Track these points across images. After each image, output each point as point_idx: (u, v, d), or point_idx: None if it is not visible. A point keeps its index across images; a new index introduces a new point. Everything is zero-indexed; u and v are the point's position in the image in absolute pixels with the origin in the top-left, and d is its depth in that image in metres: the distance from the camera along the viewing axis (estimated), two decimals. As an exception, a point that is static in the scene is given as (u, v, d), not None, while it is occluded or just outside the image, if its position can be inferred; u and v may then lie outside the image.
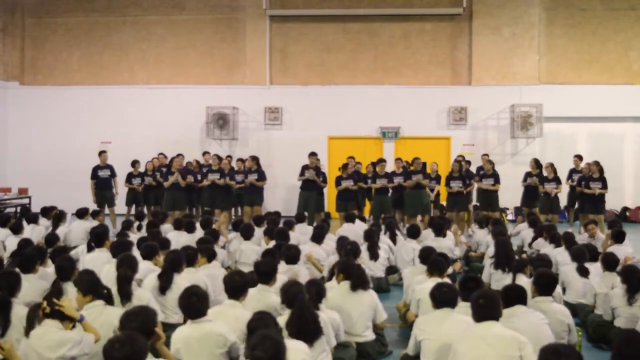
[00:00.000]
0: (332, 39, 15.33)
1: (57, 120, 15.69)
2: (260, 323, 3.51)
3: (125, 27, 15.84)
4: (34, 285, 4.96)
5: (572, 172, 12.16)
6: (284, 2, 15.35)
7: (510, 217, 14.09)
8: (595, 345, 5.30)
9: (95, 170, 11.98)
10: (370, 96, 15.03)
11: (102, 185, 11.92)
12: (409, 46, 15.19)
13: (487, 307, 3.67)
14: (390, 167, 12.31)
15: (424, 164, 11.96)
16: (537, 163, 11.88)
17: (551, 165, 11.74)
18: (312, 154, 11.81)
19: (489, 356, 3.51)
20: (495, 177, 11.65)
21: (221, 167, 11.87)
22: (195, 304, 3.81)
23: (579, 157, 12.23)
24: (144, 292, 4.84)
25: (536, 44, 14.76)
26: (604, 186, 11.02)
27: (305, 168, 11.74)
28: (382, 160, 11.80)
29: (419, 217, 11.50)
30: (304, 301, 4.00)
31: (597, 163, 11.34)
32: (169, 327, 4.89)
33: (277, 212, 10.02)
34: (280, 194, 14.43)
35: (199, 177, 11.90)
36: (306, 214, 10.44)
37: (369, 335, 4.89)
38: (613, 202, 13.16)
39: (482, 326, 3.65)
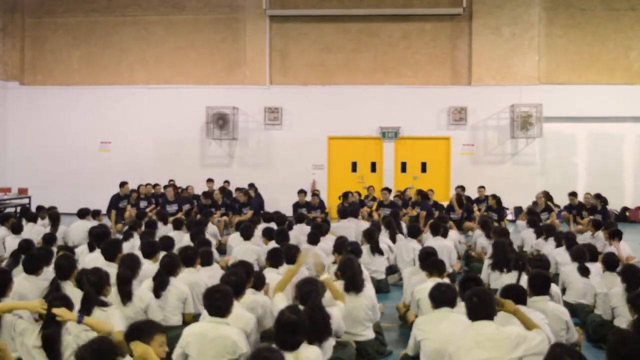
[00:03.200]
0: (332, 39, 15.33)
1: (57, 120, 15.69)
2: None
3: (125, 27, 15.84)
4: (35, 285, 4.96)
5: (570, 208, 12.20)
6: (284, 2, 15.34)
7: (510, 217, 14.07)
8: (595, 345, 5.30)
9: (116, 201, 11.78)
10: (370, 96, 15.03)
11: (120, 218, 11.78)
12: (409, 46, 15.19)
13: (481, 306, 3.68)
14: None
15: (424, 194, 12.14)
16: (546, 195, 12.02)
17: (545, 194, 11.90)
18: (301, 192, 11.97)
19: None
20: (499, 214, 11.58)
21: (225, 202, 12.08)
22: (218, 300, 3.81)
23: (574, 195, 12.26)
24: (145, 292, 4.84)
25: (536, 44, 14.76)
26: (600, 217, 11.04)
27: (297, 206, 11.75)
28: (387, 190, 12.02)
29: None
30: (316, 301, 4.02)
31: (598, 196, 11.66)
32: (168, 329, 4.90)
33: (277, 212, 10.01)
34: (280, 194, 14.41)
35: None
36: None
37: (369, 335, 4.90)
38: (613, 202, 13.17)
39: (476, 327, 3.65)
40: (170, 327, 4.90)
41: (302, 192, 12.00)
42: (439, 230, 7.85)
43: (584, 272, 6.08)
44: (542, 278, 4.68)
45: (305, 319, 3.65)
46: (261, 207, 13.05)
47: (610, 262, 5.90)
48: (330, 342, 4.14)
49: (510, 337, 3.55)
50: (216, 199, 12.29)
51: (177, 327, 4.93)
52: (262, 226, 8.76)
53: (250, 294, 4.68)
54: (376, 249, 7.32)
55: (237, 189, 12.84)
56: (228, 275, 4.56)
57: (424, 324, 4.18)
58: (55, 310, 3.75)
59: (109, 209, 11.70)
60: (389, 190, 12.12)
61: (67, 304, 3.88)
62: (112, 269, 5.40)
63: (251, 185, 13.98)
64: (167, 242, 6.49)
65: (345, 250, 6.15)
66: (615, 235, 7.52)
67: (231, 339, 3.70)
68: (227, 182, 14.06)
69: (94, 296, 4.17)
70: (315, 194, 12.55)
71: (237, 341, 3.70)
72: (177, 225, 8.45)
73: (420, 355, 4.13)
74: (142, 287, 5.07)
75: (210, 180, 13.80)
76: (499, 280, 5.98)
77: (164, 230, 8.66)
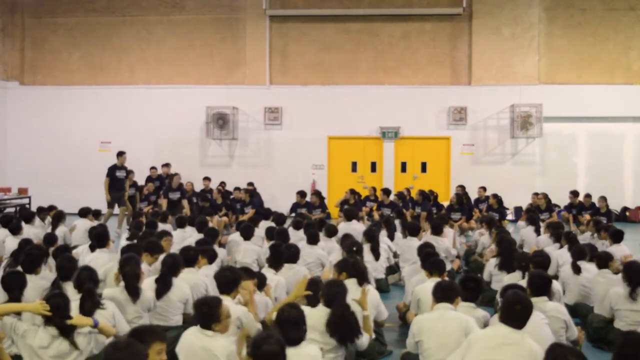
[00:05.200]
0: (332, 39, 15.33)
1: (57, 120, 15.68)
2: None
3: (125, 27, 15.84)
4: (34, 285, 4.95)
5: (571, 207, 12.13)
6: (284, 2, 15.34)
7: (510, 217, 14.07)
8: (595, 346, 5.29)
9: (113, 170, 11.81)
10: (370, 96, 15.02)
11: (117, 186, 11.75)
12: (409, 46, 15.18)
13: (521, 315, 3.61)
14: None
15: (425, 194, 12.13)
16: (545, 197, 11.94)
17: (545, 196, 11.80)
18: (301, 194, 11.91)
19: None
20: (501, 214, 11.52)
21: (225, 202, 12.09)
22: (204, 313, 3.78)
23: (575, 194, 12.17)
24: (148, 293, 4.84)
25: (536, 44, 14.76)
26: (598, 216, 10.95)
27: (296, 206, 11.75)
28: (387, 191, 12.06)
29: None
30: (344, 301, 4.03)
31: (604, 198, 11.52)
32: (169, 330, 4.91)
33: (275, 212, 10.00)
34: (279, 195, 14.41)
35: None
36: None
37: (369, 334, 4.90)
38: (613, 202, 13.16)
39: (504, 329, 3.61)
40: (170, 327, 4.91)
41: (300, 193, 11.98)
42: (440, 229, 7.85)
43: (576, 269, 6.08)
44: (542, 279, 4.67)
45: (304, 315, 3.67)
46: (262, 207, 13.02)
47: (603, 262, 5.91)
48: (362, 341, 4.19)
49: (533, 351, 3.52)
50: (214, 198, 12.31)
51: (178, 327, 4.94)
52: (263, 224, 8.78)
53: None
54: (375, 250, 7.31)
55: (236, 189, 12.84)
56: (222, 271, 4.61)
57: (423, 323, 4.18)
58: (73, 322, 3.78)
59: (107, 176, 11.77)
60: (388, 192, 12.11)
61: (65, 301, 3.87)
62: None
63: (250, 184, 13.96)
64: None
65: (350, 249, 6.16)
66: (614, 237, 7.51)
67: (213, 351, 3.65)
68: (223, 183, 14.01)
69: (94, 295, 4.16)
70: (315, 193, 12.51)
71: (218, 354, 3.64)
72: (180, 223, 8.47)
73: (419, 355, 4.14)
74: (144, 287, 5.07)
75: (206, 179, 13.79)
76: (502, 281, 5.94)
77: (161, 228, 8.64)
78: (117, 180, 11.77)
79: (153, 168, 13.51)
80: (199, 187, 13.75)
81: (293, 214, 11.33)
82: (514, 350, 3.50)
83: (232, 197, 12.82)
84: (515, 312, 3.62)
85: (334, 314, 3.94)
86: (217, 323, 3.75)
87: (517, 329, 3.59)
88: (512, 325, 3.59)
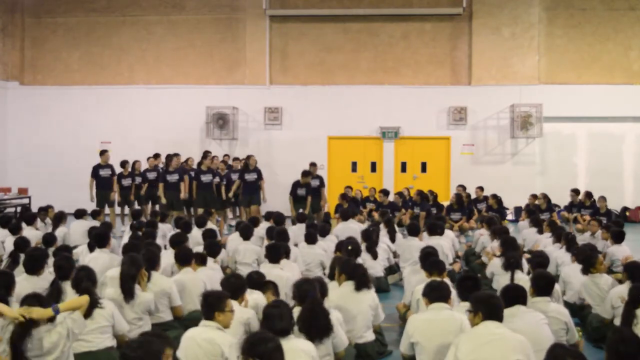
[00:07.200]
0: (332, 39, 15.32)
1: (57, 120, 15.68)
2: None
3: (125, 27, 15.84)
4: (35, 285, 4.95)
5: (571, 205, 12.03)
6: (284, 2, 15.34)
7: (510, 217, 14.06)
8: (596, 345, 5.29)
9: (97, 169, 11.87)
10: (370, 96, 15.02)
11: (103, 185, 11.78)
12: (408, 46, 15.18)
13: (500, 309, 3.71)
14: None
15: (424, 195, 12.15)
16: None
17: (544, 197, 11.78)
18: (305, 174, 11.94)
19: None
20: (500, 214, 11.51)
21: (211, 168, 11.88)
22: (207, 305, 3.81)
23: (576, 192, 12.07)
24: (146, 295, 4.83)
25: (536, 44, 14.75)
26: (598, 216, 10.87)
27: (297, 185, 11.78)
28: (386, 191, 12.15)
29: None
30: (316, 297, 4.05)
31: (604, 198, 11.48)
32: (165, 326, 4.92)
33: (278, 212, 9.99)
34: (280, 194, 14.39)
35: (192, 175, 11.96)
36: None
37: (369, 336, 4.90)
38: (613, 202, 13.17)
39: (488, 325, 3.64)
40: (163, 324, 4.91)
41: (305, 174, 11.93)
42: (436, 229, 7.83)
43: (584, 271, 6.06)
44: (546, 279, 4.66)
45: (289, 309, 3.70)
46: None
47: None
48: (330, 347, 4.13)
49: (519, 339, 3.57)
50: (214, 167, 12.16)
51: (172, 324, 4.96)
52: (263, 224, 8.81)
53: (247, 294, 4.69)
54: (372, 250, 7.30)
55: (235, 159, 12.94)
56: (228, 278, 4.61)
57: (418, 322, 4.18)
58: (33, 316, 3.64)
59: (91, 177, 11.85)
60: (386, 192, 12.13)
61: (41, 301, 3.81)
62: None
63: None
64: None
65: (346, 250, 6.15)
66: (616, 237, 7.50)
67: (216, 342, 3.68)
68: (226, 155, 13.94)
69: (93, 295, 4.15)
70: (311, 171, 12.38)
71: (221, 344, 3.67)
72: (178, 224, 8.46)
73: (417, 355, 4.14)
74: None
75: (208, 153, 13.68)
76: (504, 281, 5.94)
77: (162, 228, 8.64)
78: (101, 179, 11.81)
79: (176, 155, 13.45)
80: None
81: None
82: (504, 344, 3.53)
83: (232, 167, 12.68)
84: (496, 309, 3.69)
85: (305, 310, 3.96)
86: (220, 312, 3.78)
87: (499, 323, 3.65)
88: (495, 320, 3.65)
